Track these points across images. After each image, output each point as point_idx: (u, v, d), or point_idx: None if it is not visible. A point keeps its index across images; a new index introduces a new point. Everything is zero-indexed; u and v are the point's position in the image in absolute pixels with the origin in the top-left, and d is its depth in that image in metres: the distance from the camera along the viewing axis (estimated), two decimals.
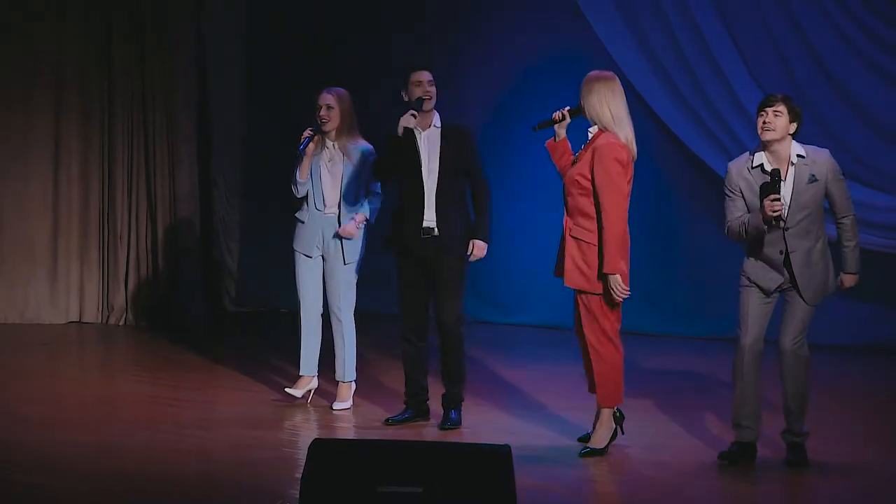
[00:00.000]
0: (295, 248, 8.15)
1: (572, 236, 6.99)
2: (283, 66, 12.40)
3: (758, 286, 6.76)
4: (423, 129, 7.60)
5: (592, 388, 7.17)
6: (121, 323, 11.71)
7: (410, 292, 7.62)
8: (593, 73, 7.08)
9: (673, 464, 6.90)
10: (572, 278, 7.03)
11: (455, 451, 4.87)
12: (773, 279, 6.74)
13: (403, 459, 4.73)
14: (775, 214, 6.55)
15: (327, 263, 8.10)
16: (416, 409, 7.73)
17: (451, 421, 7.63)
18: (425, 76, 7.57)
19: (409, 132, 7.52)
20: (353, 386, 8.22)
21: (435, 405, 7.78)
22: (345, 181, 8.01)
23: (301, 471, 4.74)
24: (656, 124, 11.09)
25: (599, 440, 7.07)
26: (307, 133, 8.01)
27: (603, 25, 11.17)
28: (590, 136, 7.01)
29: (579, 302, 7.07)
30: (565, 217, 7.06)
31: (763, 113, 6.66)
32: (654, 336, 10.83)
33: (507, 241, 11.72)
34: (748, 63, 10.61)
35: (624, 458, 7.02)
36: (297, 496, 4.81)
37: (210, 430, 7.70)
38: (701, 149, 10.88)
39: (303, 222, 8.13)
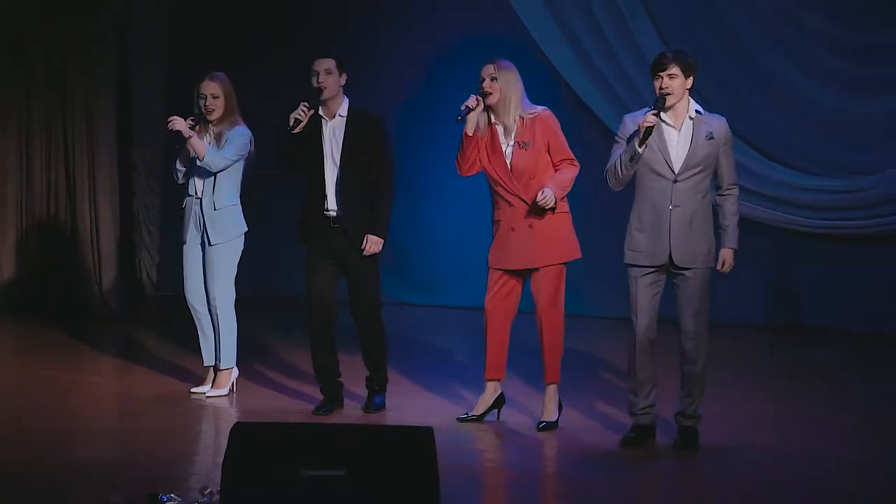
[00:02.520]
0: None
1: (547, 215, 7.06)
2: (206, 49, 12.29)
3: (644, 264, 6.69)
4: (329, 119, 7.51)
5: (495, 374, 7.29)
6: (39, 309, 11.58)
7: (318, 281, 7.52)
8: (506, 61, 7.16)
9: (599, 442, 6.95)
10: (552, 255, 7.11)
11: (378, 434, 4.87)
12: (660, 248, 6.66)
13: (326, 442, 4.72)
14: (648, 124, 6.53)
15: (202, 248, 8.01)
16: (334, 397, 7.66)
17: (374, 405, 7.63)
18: (321, 65, 7.41)
19: (316, 120, 7.42)
20: (235, 373, 8.10)
21: (359, 388, 7.79)
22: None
23: (223, 456, 4.71)
24: (579, 107, 11.14)
25: (552, 413, 7.19)
26: (190, 122, 7.82)
27: (528, 14, 11.21)
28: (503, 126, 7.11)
29: (542, 279, 7.10)
30: (518, 207, 7.09)
31: (658, 77, 6.66)
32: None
33: (429, 224, 11.75)
34: (670, 48, 10.67)
35: (546, 440, 7.06)
36: (220, 481, 4.78)
37: (128, 417, 7.64)
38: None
39: (182, 209, 8.05)
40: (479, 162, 7.20)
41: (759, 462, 6.60)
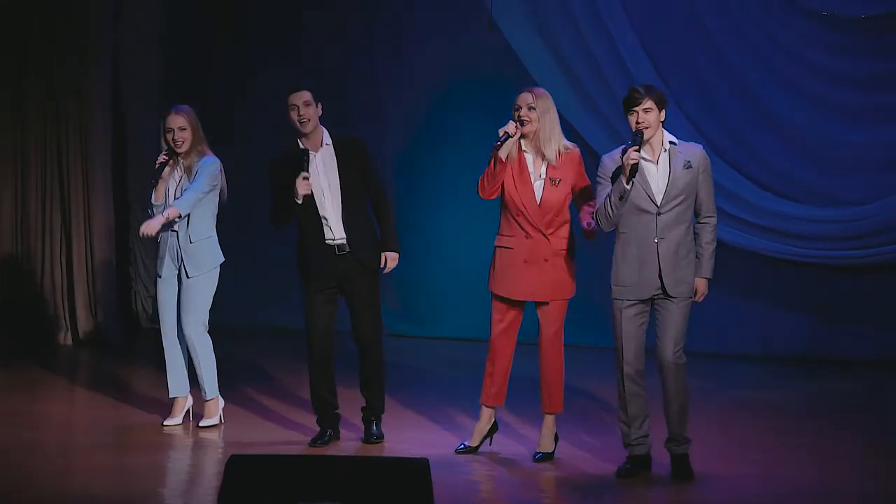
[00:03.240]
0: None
1: (561, 251, 7.09)
2: (201, 81, 12.33)
3: (631, 298, 6.70)
4: (315, 151, 7.48)
5: (496, 402, 7.30)
6: (33, 341, 11.55)
7: (322, 317, 7.51)
8: (542, 89, 7.16)
9: (595, 473, 6.94)
10: (563, 290, 7.14)
11: (373, 465, 4.86)
12: (648, 281, 6.68)
13: (322, 474, 4.71)
14: (633, 161, 6.53)
15: (179, 281, 8.00)
16: (332, 429, 7.65)
17: (372, 435, 7.62)
18: (299, 98, 7.39)
19: (302, 153, 7.39)
20: (221, 402, 8.11)
21: (354, 418, 7.77)
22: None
23: (218, 488, 4.70)
24: (572, 137, 11.16)
25: (549, 444, 7.22)
26: (162, 158, 7.87)
27: (517, 37, 11.23)
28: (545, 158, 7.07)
29: (552, 312, 7.11)
30: (538, 241, 7.06)
31: (633, 113, 6.66)
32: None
33: (423, 255, 11.74)
34: (664, 78, 10.71)
35: (542, 471, 7.04)
36: None
37: (122, 450, 7.62)
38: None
39: (157, 242, 8.05)
40: (500, 187, 7.16)
41: (760, 494, 6.58)
